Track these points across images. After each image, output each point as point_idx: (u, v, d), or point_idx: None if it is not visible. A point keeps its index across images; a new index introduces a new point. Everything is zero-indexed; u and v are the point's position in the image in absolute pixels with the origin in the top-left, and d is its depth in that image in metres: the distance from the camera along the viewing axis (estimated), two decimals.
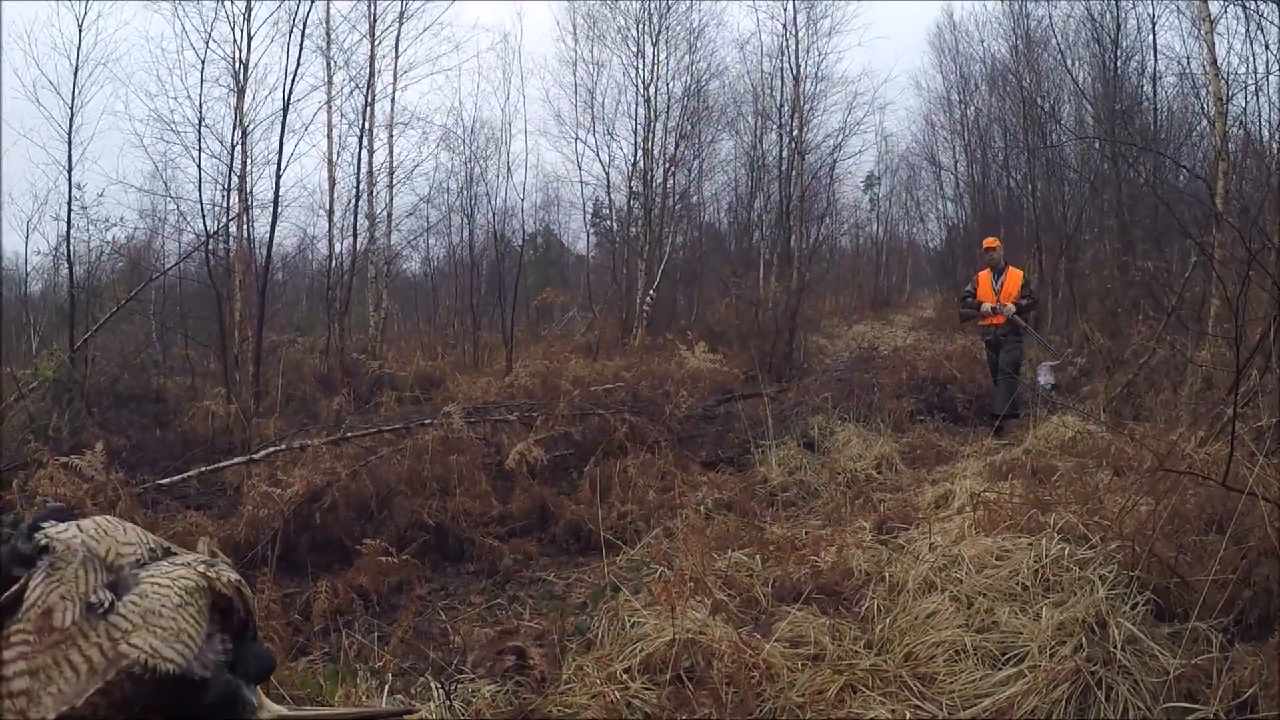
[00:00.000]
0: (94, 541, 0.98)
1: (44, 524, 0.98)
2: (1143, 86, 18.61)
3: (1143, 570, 4.11)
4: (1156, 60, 18.16)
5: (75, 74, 13.06)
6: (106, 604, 0.88)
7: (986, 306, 10.91)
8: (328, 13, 17.98)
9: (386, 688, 3.94)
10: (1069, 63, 20.38)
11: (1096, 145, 17.67)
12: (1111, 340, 12.76)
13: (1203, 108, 15.86)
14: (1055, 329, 17.70)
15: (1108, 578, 4.13)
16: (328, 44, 18.00)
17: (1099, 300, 15.56)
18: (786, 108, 24.21)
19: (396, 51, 19.18)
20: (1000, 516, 5.32)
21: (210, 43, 14.77)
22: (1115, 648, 3.60)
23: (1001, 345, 10.79)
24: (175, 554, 1.22)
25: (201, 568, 1.09)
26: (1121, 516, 4.66)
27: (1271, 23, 12.70)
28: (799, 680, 3.78)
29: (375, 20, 18.78)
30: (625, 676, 3.88)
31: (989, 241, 11.30)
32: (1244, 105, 14.93)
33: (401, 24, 19.19)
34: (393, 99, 19.33)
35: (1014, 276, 10.87)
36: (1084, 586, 4.14)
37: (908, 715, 3.49)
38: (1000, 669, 3.75)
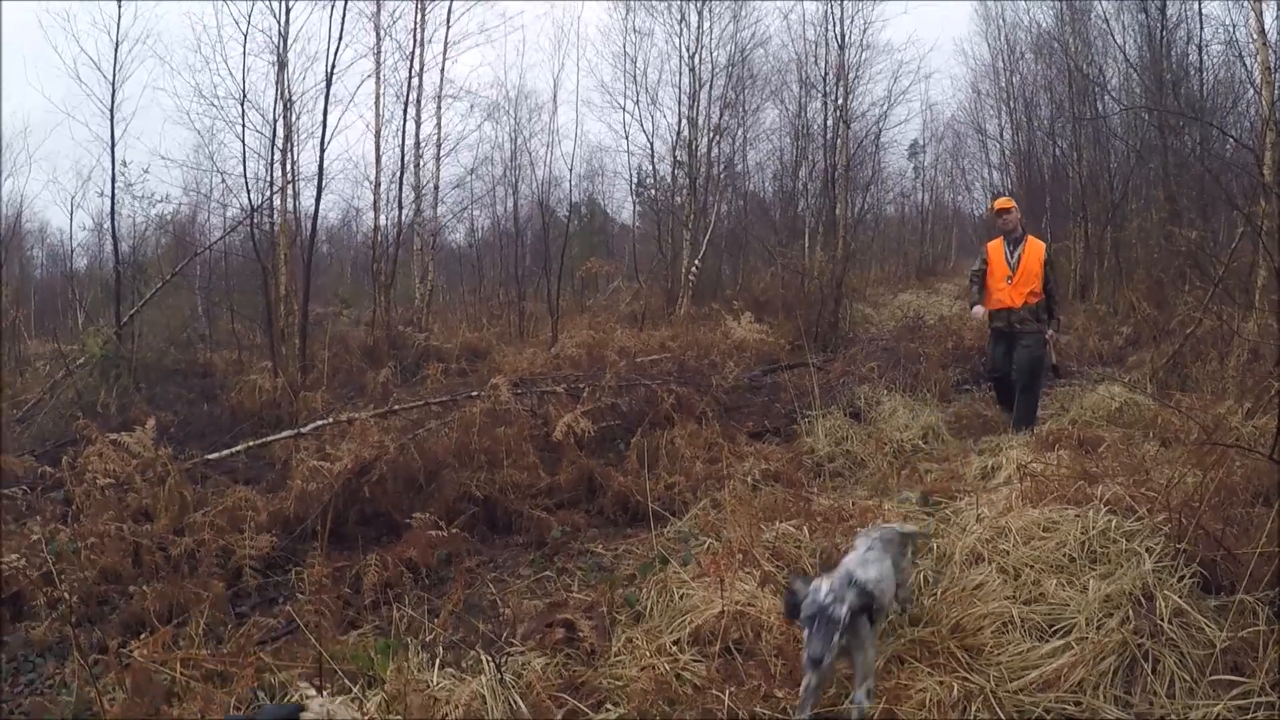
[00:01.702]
0: None
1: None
2: (1189, 55, 18.32)
3: (1189, 543, 4.11)
4: (1203, 28, 17.87)
5: (116, 50, 13.05)
6: None
7: (978, 311, 8.98)
8: None
9: (437, 661, 3.96)
10: (1115, 30, 20.10)
11: (1143, 114, 17.41)
12: (1158, 310, 12.63)
13: (1250, 76, 15.63)
14: (1102, 298, 17.52)
15: (1154, 550, 4.14)
16: (377, 10, 17.91)
17: (1145, 270, 15.40)
18: (831, 76, 23.95)
19: (448, 21, 19.08)
20: (1047, 488, 5.31)
21: (251, 16, 14.76)
22: (1162, 620, 3.61)
23: (1016, 339, 8.61)
24: None
25: None
26: (1168, 489, 4.64)
27: None
28: None
29: None
30: (674, 648, 3.94)
31: (1001, 203, 9.04)
32: None
33: None
34: (442, 69, 19.22)
35: (1034, 250, 8.66)
36: (1131, 559, 4.14)
37: (955, 687, 3.51)
38: (1047, 641, 3.77)
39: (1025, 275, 8.57)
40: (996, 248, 8.88)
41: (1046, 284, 8.61)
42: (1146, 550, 4.14)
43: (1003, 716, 3.36)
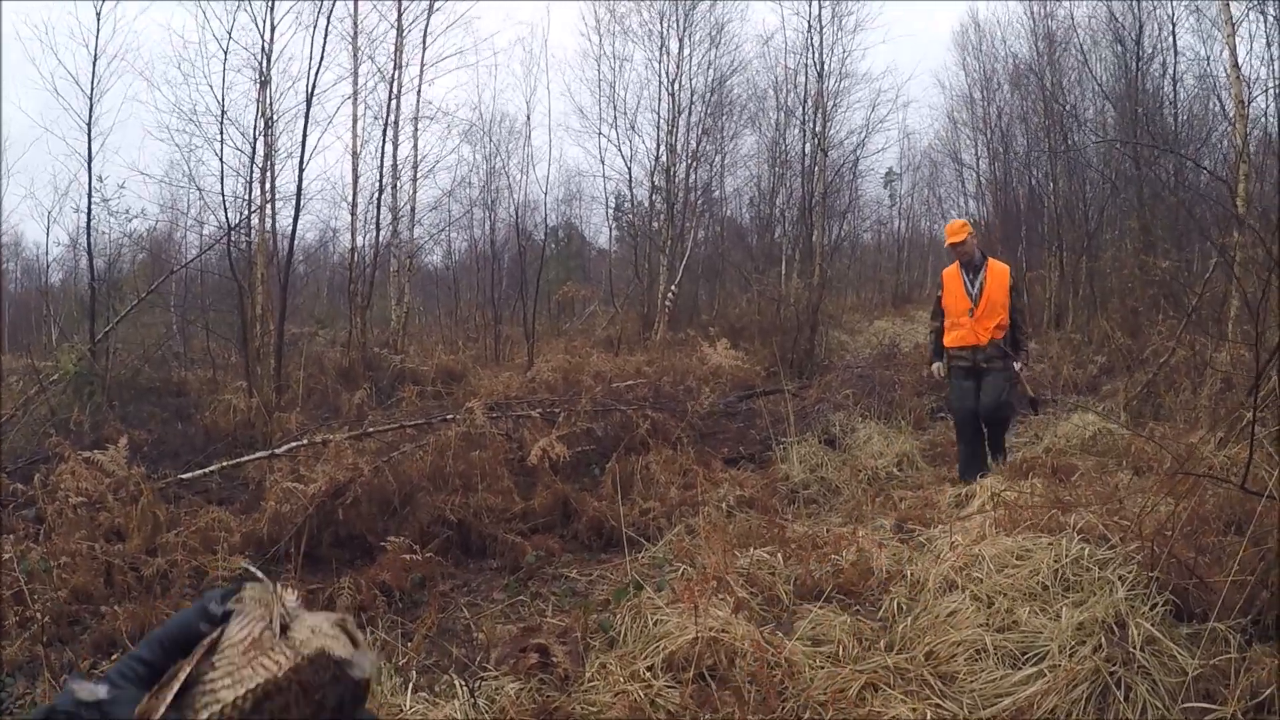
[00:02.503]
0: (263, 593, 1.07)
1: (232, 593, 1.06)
2: (1164, 87, 18.59)
3: (1162, 571, 4.13)
4: (1177, 61, 18.17)
5: (94, 64, 13.01)
6: (288, 620, 0.97)
7: (937, 369, 8.23)
8: (356, 2, 18.00)
9: (410, 685, 3.96)
10: (1091, 62, 20.36)
11: (1118, 145, 17.63)
12: (1131, 339, 12.75)
13: (1223, 109, 15.86)
14: (1076, 327, 17.66)
15: (1127, 578, 4.15)
16: (355, 33, 17.98)
17: (1119, 299, 15.55)
18: (809, 103, 24.16)
19: (424, 44, 19.17)
20: (1021, 516, 5.33)
21: (232, 33, 14.76)
22: (1134, 648, 3.62)
23: (983, 375, 7.80)
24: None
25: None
26: (1141, 517, 4.67)
27: None
28: (820, 678, 3.81)
29: (403, 12, 18.75)
30: (648, 674, 3.91)
31: (954, 230, 7.94)
32: (1265, 107, 14.94)
33: (430, 16, 19.19)
34: (418, 92, 19.35)
35: (997, 276, 7.81)
36: (1104, 587, 4.16)
37: (929, 714, 3.51)
38: (1020, 668, 3.78)
39: (989, 307, 7.74)
40: (953, 275, 7.99)
41: (1013, 313, 7.79)
42: (1119, 578, 4.16)
43: None
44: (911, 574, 4.89)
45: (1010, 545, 4.78)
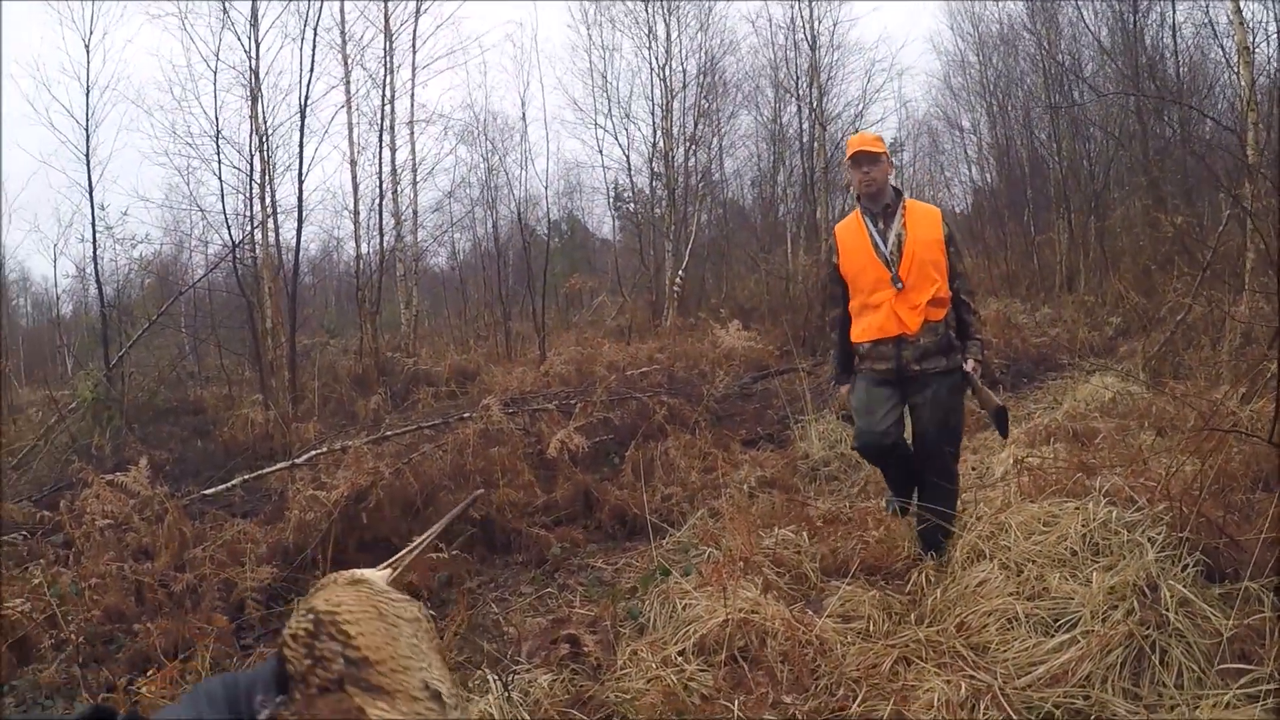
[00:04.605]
0: None
1: None
2: (1163, 37, 18.43)
3: (1191, 531, 4.09)
4: (1175, 9, 17.99)
5: (87, 95, 13.12)
6: None
7: (844, 390, 5.33)
8: (342, 10, 18.02)
9: None
10: (1087, 16, 20.18)
11: (1123, 100, 17.50)
12: (1146, 298, 12.66)
13: (1225, 58, 15.72)
14: (1090, 289, 17.53)
15: (1156, 540, 4.11)
16: (343, 41, 18.03)
17: (1131, 258, 15.46)
18: (804, 78, 24.05)
19: (414, 47, 19.20)
20: (1045, 482, 5.29)
21: (219, 53, 14.79)
22: (1167, 610, 3.59)
23: (914, 384, 4.89)
24: None
25: None
26: (1168, 478, 4.63)
27: None
28: (853, 655, 3.81)
29: (389, 16, 18.76)
30: (680, 659, 3.91)
31: (858, 143, 4.98)
32: (1268, 54, 14.80)
33: (418, 18, 19.21)
34: (412, 95, 19.49)
35: (924, 221, 4.95)
36: (1133, 550, 4.12)
37: (963, 685, 3.48)
38: (1053, 635, 3.75)
39: (919, 271, 4.83)
40: (853, 229, 5.06)
41: (954, 282, 4.93)
42: (1148, 540, 4.12)
43: (1011, 714, 3.34)
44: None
45: (1036, 512, 4.74)
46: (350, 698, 1.11)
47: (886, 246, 4.87)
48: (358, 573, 1.31)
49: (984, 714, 3.35)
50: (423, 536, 1.53)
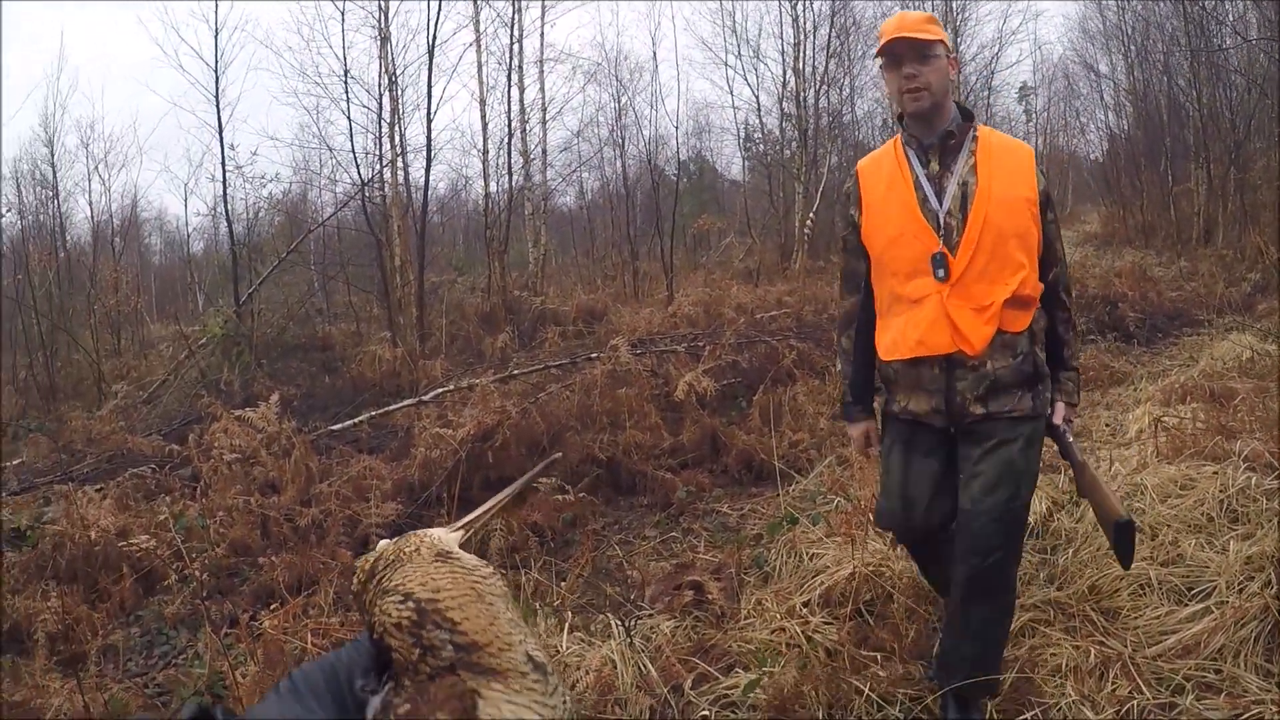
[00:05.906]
0: None
1: None
2: None
3: None
4: None
5: (216, 37, 13.36)
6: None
7: (855, 431, 3.44)
8: None
9: (566, 625, 3.99)
10: None
11: (1267, 47, 16.68)
12: None
13: None
14: (1228, 243, 16.87)
15: None
16: None
17: (1272, 212, 14.81)
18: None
19: None
20: (1182, 443, 5.16)
21: None
22: None
23: (984, 436, 2.94)
24: None
25: None
26: None
27: None
28: None
29: None
30: (805, 610, 3.92)
31: (895, 25, 2.96)
32: None
33: None
34: (541, 33, 19.29)
35: (1011, 164, 2.96)
36: (1272, 519, 4.01)
37: (1092, 652, 3.43)
38: (1186, 604, 3.67)
39: (991, 247, 2.87)
40: (888, 170, 3.15)
41: (1048, 270, 3.03)
42: None
43: (1140, 684, 3.28)
44: (1072, 504, 4.77)
45: (1173, 474, 4.64)
46: (463, 680, 1.18)
47: (943, 203, 2.95)
48: (435, 539, 1.37)
49: (1112, 683, 3.29)
50: (496, 498, 1.57)
